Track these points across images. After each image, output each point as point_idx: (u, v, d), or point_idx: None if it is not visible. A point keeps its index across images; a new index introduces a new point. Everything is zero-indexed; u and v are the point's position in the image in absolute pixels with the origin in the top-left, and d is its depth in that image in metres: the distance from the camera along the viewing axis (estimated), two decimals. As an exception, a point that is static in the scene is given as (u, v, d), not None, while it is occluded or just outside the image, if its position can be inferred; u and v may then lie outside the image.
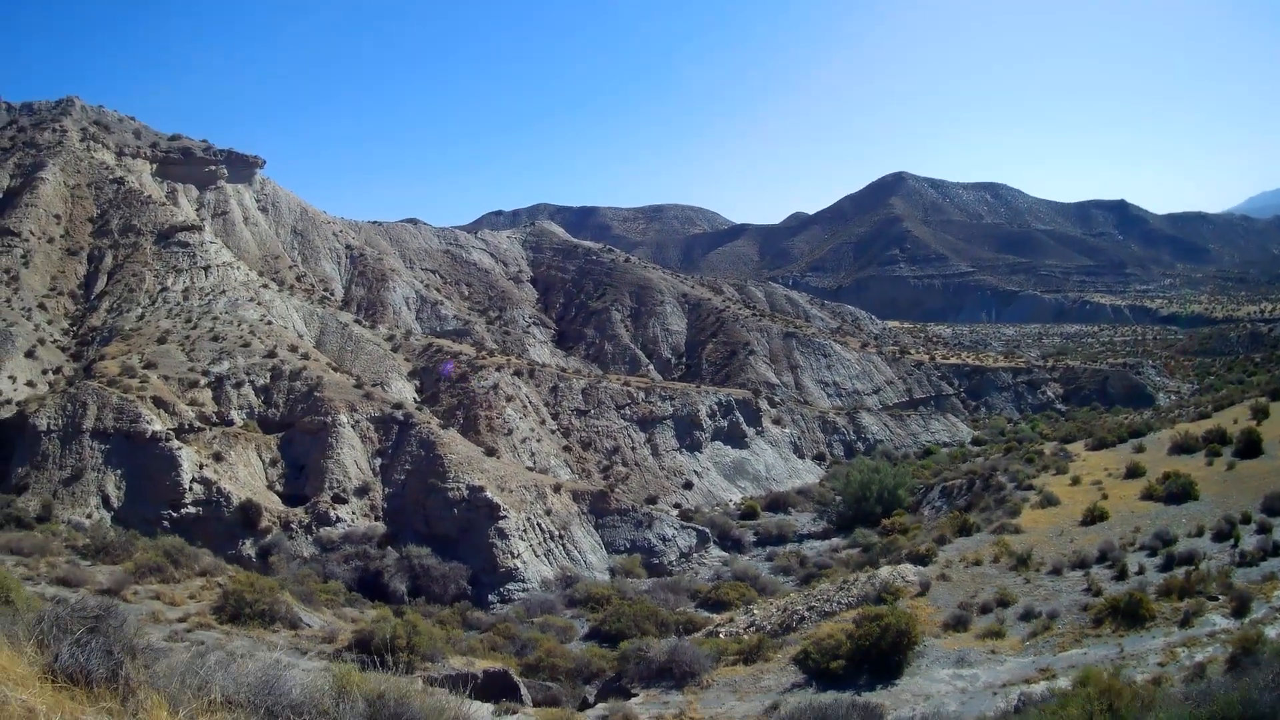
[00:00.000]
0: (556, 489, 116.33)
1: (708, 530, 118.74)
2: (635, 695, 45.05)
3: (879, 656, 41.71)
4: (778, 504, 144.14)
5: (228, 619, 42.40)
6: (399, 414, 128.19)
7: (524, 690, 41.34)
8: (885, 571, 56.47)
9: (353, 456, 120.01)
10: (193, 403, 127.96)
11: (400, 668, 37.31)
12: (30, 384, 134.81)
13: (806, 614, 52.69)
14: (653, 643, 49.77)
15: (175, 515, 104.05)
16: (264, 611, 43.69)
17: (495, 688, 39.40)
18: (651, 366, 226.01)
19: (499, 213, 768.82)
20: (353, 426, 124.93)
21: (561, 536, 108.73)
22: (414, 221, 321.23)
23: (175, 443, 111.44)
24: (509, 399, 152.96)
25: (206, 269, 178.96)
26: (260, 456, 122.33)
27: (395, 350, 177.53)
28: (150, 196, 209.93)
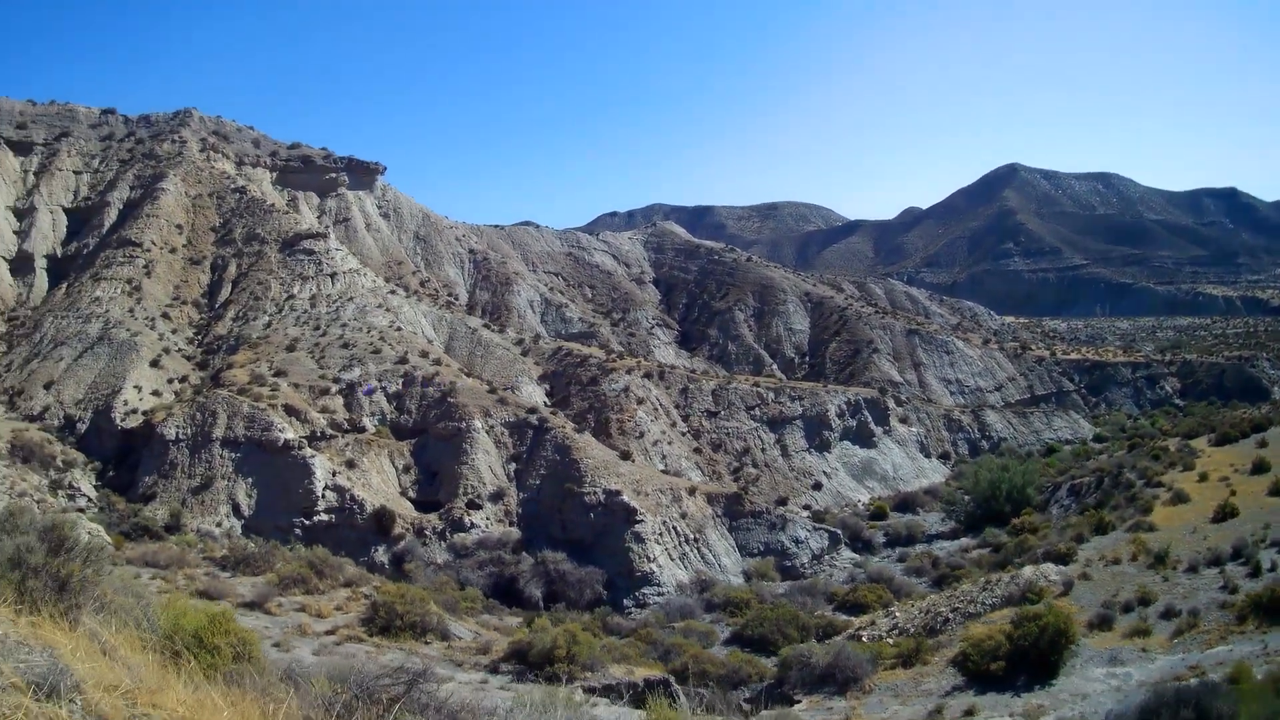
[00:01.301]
0: (691, 492, 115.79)
1: (839, 532, 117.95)
2: (798, 702, 44.92)
3: (1037, 657, 41.50)
4: (906, 504, 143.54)
5: (377, 631, 42.10)
6: (533, 418, 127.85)
7: (682, 697, 41.15)
8: (1028, 571, 56.12)
9: (487, 462, 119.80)
10: (324, 410, 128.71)
11: (562, 678, 37.77)
12: (156, 393, 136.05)
13: (951, 615, 52.47)
14: (815, 648, 49.55)
15: (307, 523, 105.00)
16: (415, 623, 43.54)
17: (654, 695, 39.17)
18: (775, 366, 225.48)
19: (614, 213, 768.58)
20: (487, 432, 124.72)
21: (696, 540, 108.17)
22: (531, 225, 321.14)
23: (308, 450, 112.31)
24: (640, 401, 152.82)
25: (333, 276, 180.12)
26: (393, 463, 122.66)
27: (524, 354, 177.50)
28: (273, 205, 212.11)
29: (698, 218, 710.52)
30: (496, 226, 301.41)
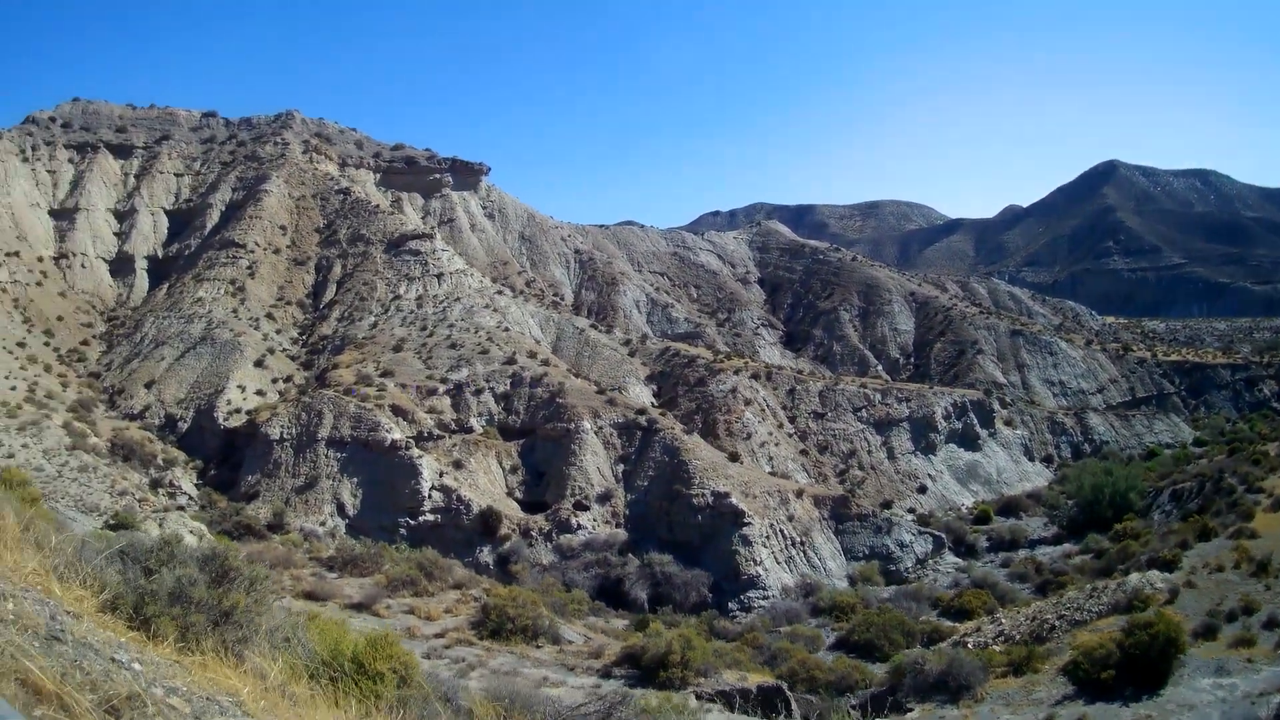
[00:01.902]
0: (798, 494, 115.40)
1: (943, 536, 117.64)
2: (910, 710, 44.49)
3: (1146, 667, 40.91)
4: (1009, 508, 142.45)
5: (487, 634, 41.73)
6: (642, 419, 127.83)
7: (795, 705, 40.73)
8: (1135, 578, 55.44)
9: (595, 463, 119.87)
10: (431, 410, 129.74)
11: (675, 683, 37.52)
12: (260, 393, 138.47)
13: (1057, 623, 51.83)
14: (928, 655, 49.00)
15: (413, 523, 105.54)
16: (526, 626, 43.16)
17: (766, 702, 38.85)
18: (880, 367, 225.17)
19: (716, 213, 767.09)
20: (596, 433, 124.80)
21: (803, 543, 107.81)
22: (634, 224, 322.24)
23: (415, 451, 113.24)
24: (747, 402, 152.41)
25: (439, 276, 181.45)
26: (500, 464, 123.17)
27: (632, 355, 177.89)
28: (377, 206, 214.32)
29: (799, 217, 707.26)
30: (601, 226, 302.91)
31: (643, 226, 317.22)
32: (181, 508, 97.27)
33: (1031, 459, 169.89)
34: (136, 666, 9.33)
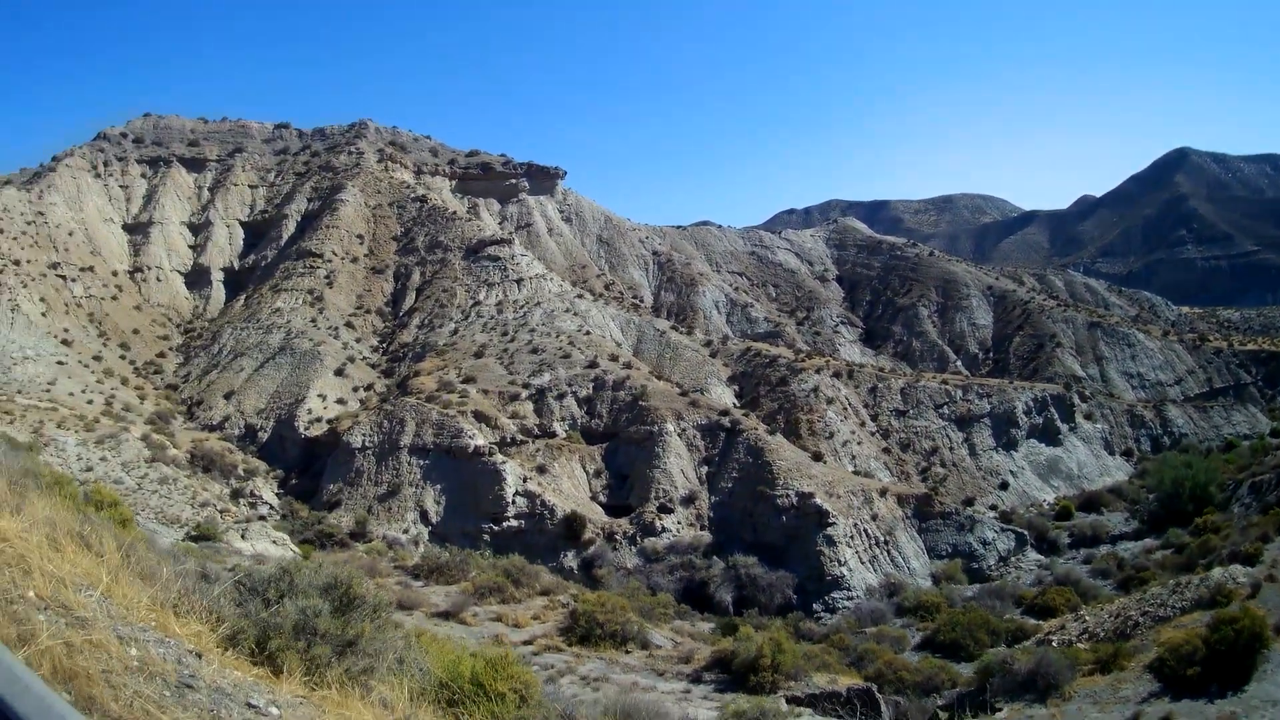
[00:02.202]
0: (882, 493, 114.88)
1: (1025, 533, 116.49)
2: (999, 710, 44.19)
3: (1230, 663, 40.48)
4: (1090, 503, 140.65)
5: (576, 640, 41.66)
6: (725, 421, 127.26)
7: (884, 707, 40.42)
8: (1217, 573, 54.86)
9: (679, 465, 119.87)
10: (514, 416, 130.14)
11: (765, 687, 37.41)
12: (340, 401, 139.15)
13: (1140, 619, 51.40)
14: (1017, 654, 48.65)
15: (496, 529, 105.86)
16: (615, 632, 42.95)
17: (855, 705, 38.56)
18: (959, 363, 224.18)
19: (791, 211, 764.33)
20: (679, 435, 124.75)
21: (886, 542, 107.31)
22: (711, 224, 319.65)
23: (499, 456, 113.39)
24: (829, 401, 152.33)
25: (519, 281, 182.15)
26: (584, 468, 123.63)
27: (713, 356, 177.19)
28: (454, 212, 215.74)
29: (874, 212, 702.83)
30: (678, 227, 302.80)
31: (720, 226, 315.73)
32: (263, 518, 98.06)
33: (1112, 453, 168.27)
34: (274, 711, 9.45)
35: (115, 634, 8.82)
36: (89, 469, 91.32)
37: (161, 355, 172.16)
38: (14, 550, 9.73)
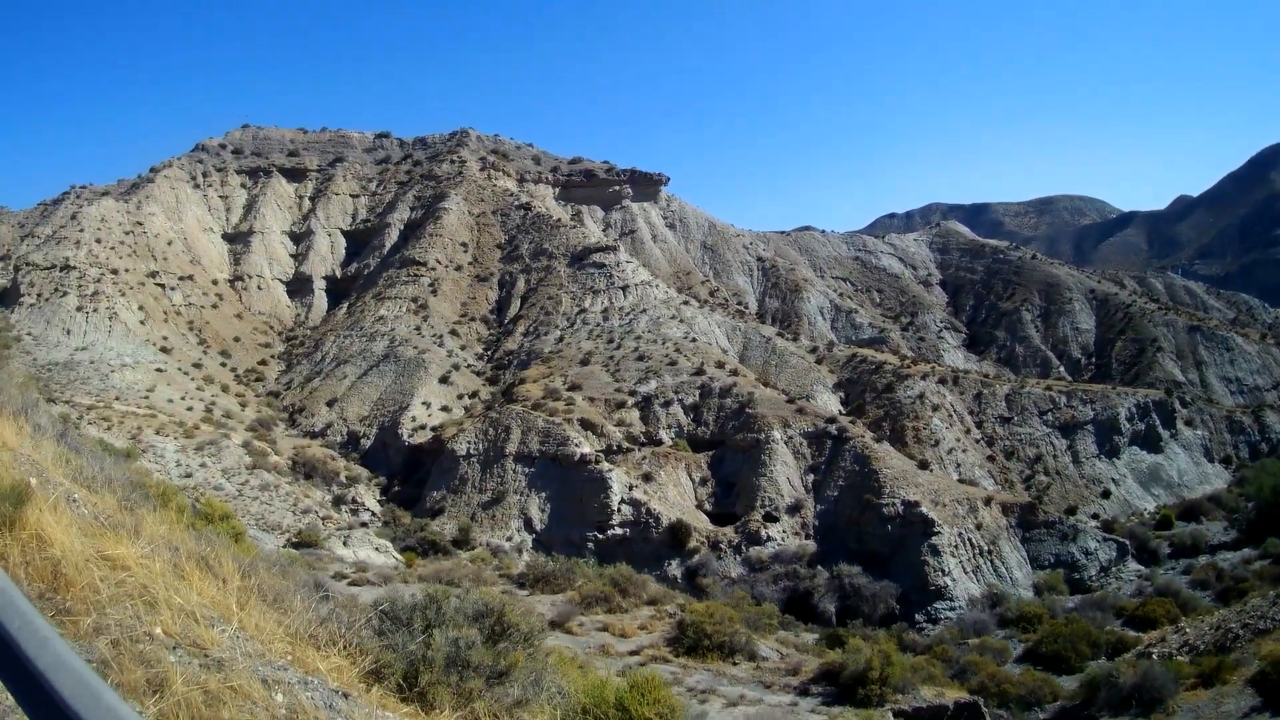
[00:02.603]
0: (987, 502, 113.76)
1: (1126, 542, 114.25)
2: (1103, 725, 43.69)
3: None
4: (1189, 512, 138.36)
5: (684, 651, 41.44)
6: (832, 428, 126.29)
7: (992, 723, 39.90)
8: (1317, 582, 54.29)
9: (785, 473, 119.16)
10: (620, 424, 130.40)
11: (873, 701, 37.31)
12: (445, 409, 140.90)
13: (1241, 632, 50.82)
14: (1121, 668, 48.18)
15: (601, 537, 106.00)
16: (723, 643, 42.63)
17: (962, 719, 38.21)
18: (1062, 368, 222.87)
19: (893, 215, 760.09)
20: (786, 442, 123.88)
21: (990, 552, 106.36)
22: (812, 229, 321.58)
23: (605, 464, 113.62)
24: (935, 408, 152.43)
25: (625, 288, 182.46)
26: (690, 476, 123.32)
27: (819, 362, 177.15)
28: (558, 220, 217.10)
29: (975, 215, 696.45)
30: (782, 233, 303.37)
31: (823, 231, 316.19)
32: (364, 524, 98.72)
33: (1211, 460, 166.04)
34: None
35: (257, 676, 8.36)
36: (188, 475, 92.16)
37: (263, 363, 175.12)
38: (135, 580, 9.22)
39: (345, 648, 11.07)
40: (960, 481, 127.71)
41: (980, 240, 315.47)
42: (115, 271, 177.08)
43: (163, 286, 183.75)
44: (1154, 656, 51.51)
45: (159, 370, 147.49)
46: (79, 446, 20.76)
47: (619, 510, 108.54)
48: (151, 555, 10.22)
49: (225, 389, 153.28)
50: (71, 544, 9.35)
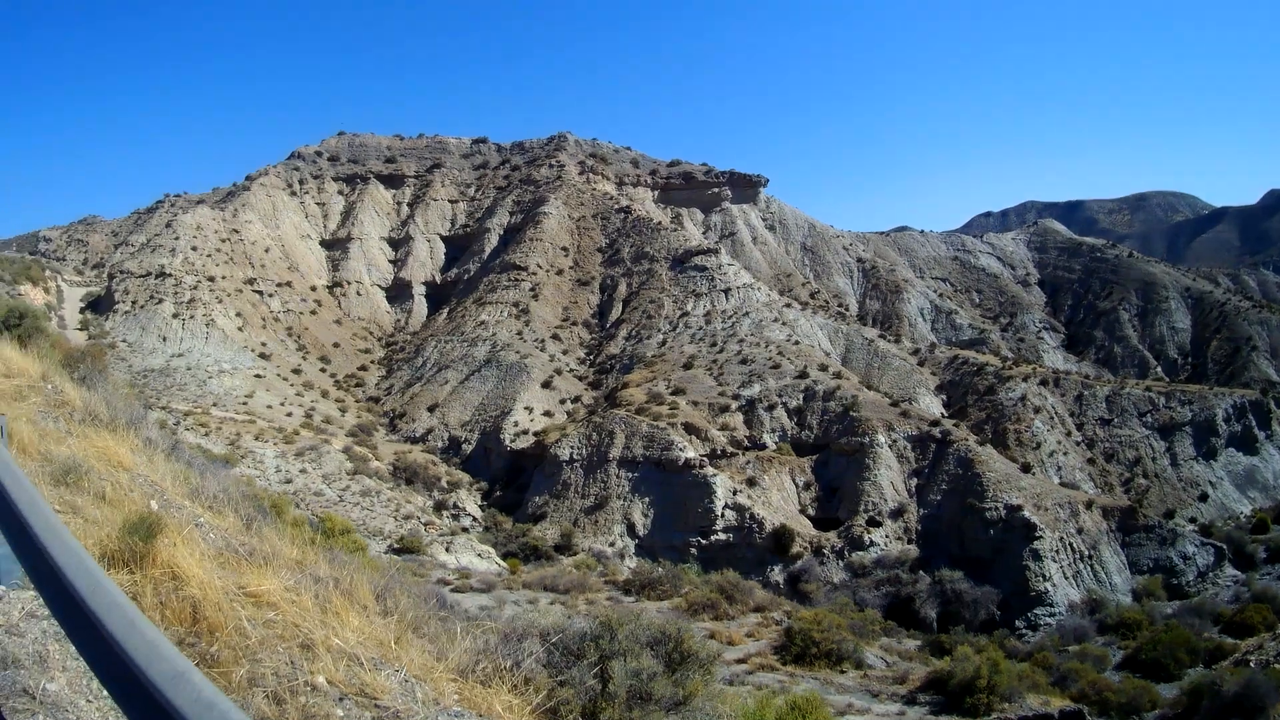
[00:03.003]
0: (1088, 506, 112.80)
1: (1224, 546, 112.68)
2: (1206, 733, 43.51)
3: None
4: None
5: (791, 659, 41.37)
6: (936, 431, 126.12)
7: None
8: None
9: (889, 477, 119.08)
10: (724, 428, 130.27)
11: (980, 709, 37.31)
12: (547, 414, 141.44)
13: (1336, 637, 50.37)
14: (1225, 676, 47.99)
15: (704, 542, 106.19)
16: (830, 651, 42.53)
17: None
18: (1159, 368, 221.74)
19: (988, 214, 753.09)
20: (890, 446, 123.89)
21: (1090, 556, 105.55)
22: (909, 229, 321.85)
23: (709, 469, 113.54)
24: (1036, 410, 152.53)
25: (727, 291, 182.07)
26: (793, 480, 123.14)
27: (921, 364, 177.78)
28: (659, 223, 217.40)
29: (1069, 213, 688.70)
30: (881, 233, 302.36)
31: (922, 231, 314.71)
32: (465, 529, 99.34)
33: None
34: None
35: (437, 727, 7.91)
36: (288, 481, 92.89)
37: (362, 369, 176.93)
38: (284, 618, 8.81)
39: (514, 685, 10.24)
40: (1061, 485, 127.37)
41: (1077, 238, 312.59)
42: (212, 279, 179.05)
43: (260, 293, 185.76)
44: (1251, 664, 51.18)
45: (257, 376, 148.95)
46: (192, 460, 21.09)
47: (722, 515, 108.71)
48: (297, 588, 9.82)
49: (325, 394, 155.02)
50: (209, 580, 8.95)
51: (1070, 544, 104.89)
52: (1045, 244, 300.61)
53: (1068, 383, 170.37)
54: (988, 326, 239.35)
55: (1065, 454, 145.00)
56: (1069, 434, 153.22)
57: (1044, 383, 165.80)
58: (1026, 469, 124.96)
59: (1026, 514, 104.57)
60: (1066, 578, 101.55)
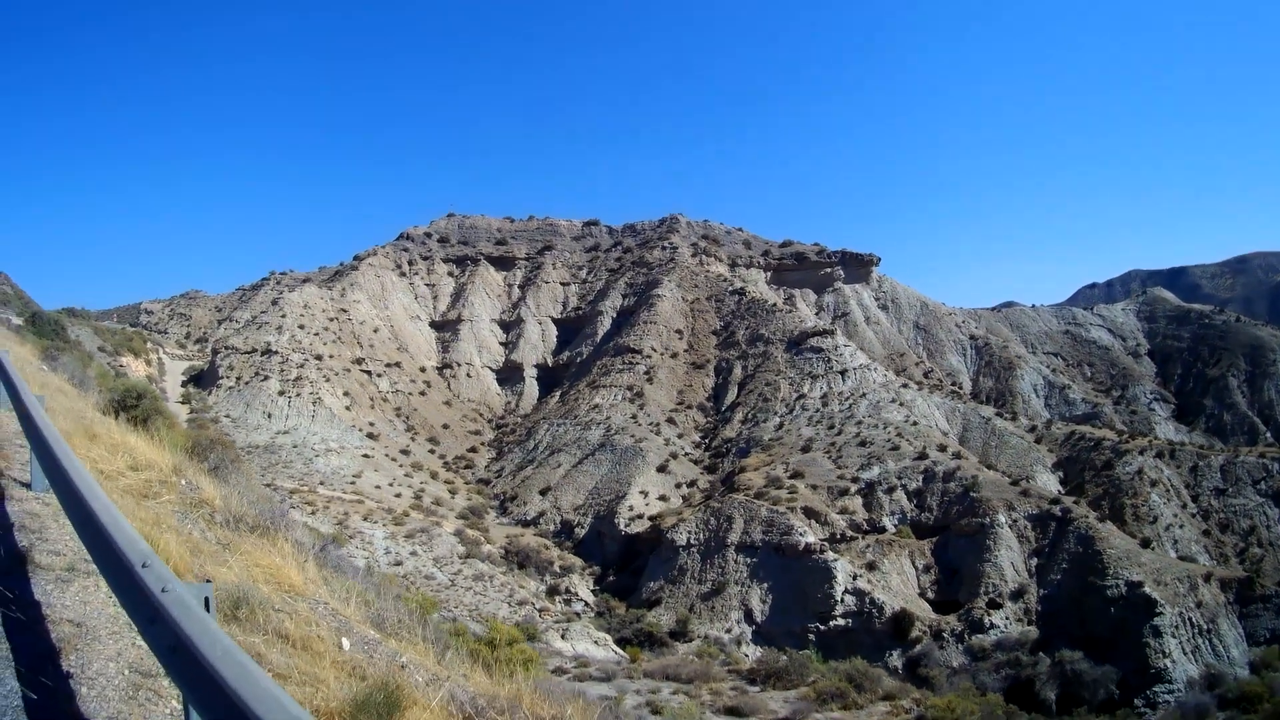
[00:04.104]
0: (1206, 579, 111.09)
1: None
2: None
3: None
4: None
5: None
6: (1055, 509, 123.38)
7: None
8: None
9: (1009, 558, 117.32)
10: (843, 511, 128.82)
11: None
12: (663, 498, 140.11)
13: None
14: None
15: (822, 628, 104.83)
16: None
17: None
18: (1268, 434, 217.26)
19: (1093, 285, 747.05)
20: (1010, 526, 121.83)
21: (1209, 631, 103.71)
22: (1015, 304, 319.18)
23: (830, 554, 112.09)
24: (1153, 483, 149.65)
25: (843, 373, 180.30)
26: (913, 563, 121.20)
27: (1038, 441, 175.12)
28: (774, 305, 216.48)
29: (1173, 280, 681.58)
30: (992, 308, 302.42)
31: (1033, 306, 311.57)
32: (577, 614, 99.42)
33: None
34: None
35: None
36: (398, 563, 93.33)
37: (472, 450, 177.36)
38: None
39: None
40: (1180, 558, 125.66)
41: (1185, 306, 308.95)
42: (319, 357, 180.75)
43: (369, 373, 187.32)
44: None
45: (365, 456, 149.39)
46: (341, 563, 20.48)
47: (842, 600, 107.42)
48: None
49: (434, 476, 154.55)
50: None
51: (1189, 618, 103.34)
52: (1154, 313, 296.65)
53: (1183, 454, 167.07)
54: (1100, 400, 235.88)
55: (1181, 526, 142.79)
56: (1184, 506, 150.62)
57: (1159, 455, 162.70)
58: (1146, 544, 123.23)
59: (1147, 590, 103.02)
60: (1185, 653, 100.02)
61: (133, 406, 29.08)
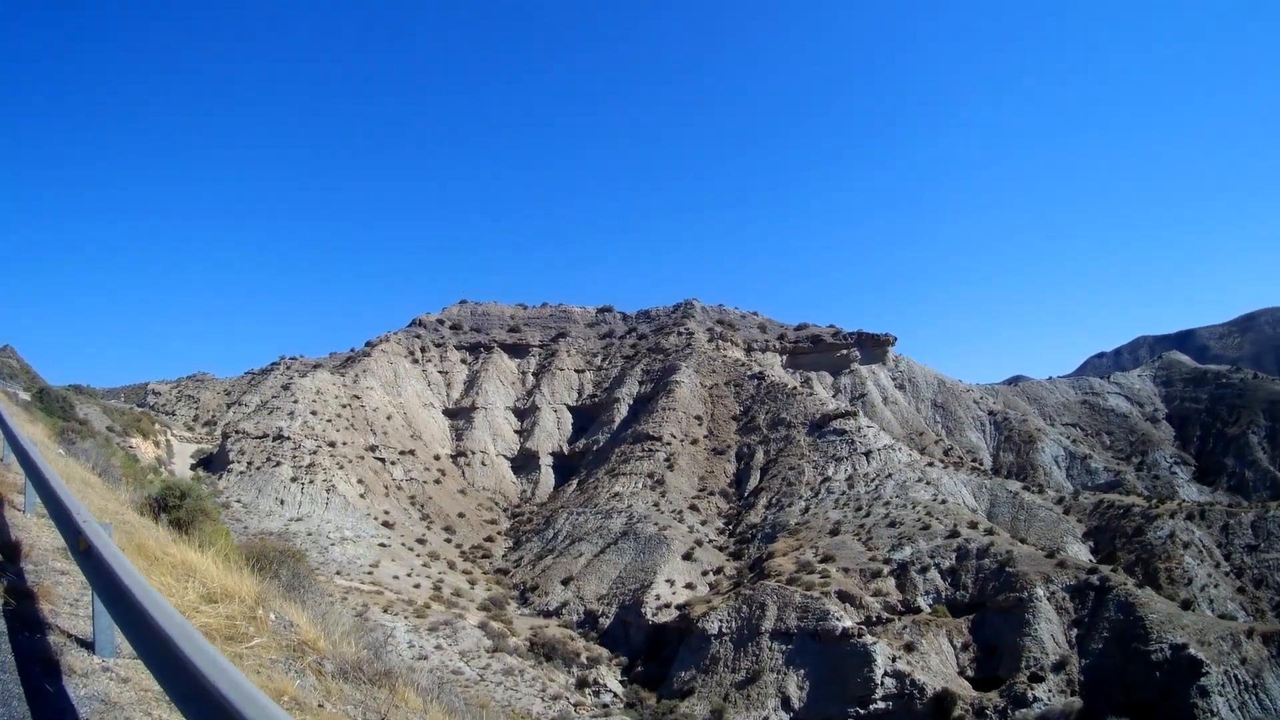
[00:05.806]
0: (1248, 635, 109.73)
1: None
2: None
3: None
4: None
5: None
6: (1094, 579, 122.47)
7: None
8: None
9: (1049, 630, 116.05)
10: (877, 593, 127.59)
11: None
12: (689, 586, 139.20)
13: None
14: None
15: (863, 712, 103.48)
16: None
17: None
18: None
19: (1101, 354, 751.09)
20: (1048, 599, 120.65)
21: (1254, 686, 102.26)
22: (1025, 378, 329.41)
23: (868, 637, 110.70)
24: (1185, 545, 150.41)
25: (868, 454, 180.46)
26: (951, 642, 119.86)
27: (1066, 512, 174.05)
28: (793, 388, 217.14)
29: (1181, 343, 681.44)
30: (1008, 383, 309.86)
31: (1049, 378, 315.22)
32: (606, 706, 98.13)
33: None
34: None
35: None
36: (423, 657, 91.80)
37: (489, 539, 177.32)
38: None
39: None
40: (1220, 617, 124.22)
41: (1201, 367, 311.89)
42: (332, 444, 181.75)
43: (382, 460, 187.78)
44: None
45: (382, 545, 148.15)
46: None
47: (881, 684, 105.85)
48: None
49: (451, 565, 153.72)
50: None
51: (1234, 675, 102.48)
52: (1170, 377, 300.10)
53: (1213, 514, 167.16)
54: (1122, 467, 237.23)
55: (1216, 585, 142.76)
56: (1217, 565, 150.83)
57: (1189, 517, 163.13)
58: (1187, 606, 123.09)
59: (1192, 651, 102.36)
60: (1233, 710, 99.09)
61: (175, 507, 25.07)
